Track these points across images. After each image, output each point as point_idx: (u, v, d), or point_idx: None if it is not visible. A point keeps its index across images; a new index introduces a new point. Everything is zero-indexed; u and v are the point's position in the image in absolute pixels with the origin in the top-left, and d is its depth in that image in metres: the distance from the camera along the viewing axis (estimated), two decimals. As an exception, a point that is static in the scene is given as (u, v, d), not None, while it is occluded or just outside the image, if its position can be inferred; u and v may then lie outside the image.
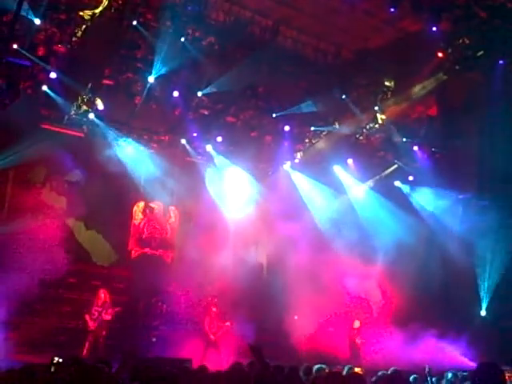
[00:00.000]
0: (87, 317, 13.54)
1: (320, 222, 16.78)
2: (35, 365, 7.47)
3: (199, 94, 14.86)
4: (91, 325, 13.45)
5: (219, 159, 16.42)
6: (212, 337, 14.76)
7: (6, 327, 12.47)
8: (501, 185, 15.36)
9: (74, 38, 13.45)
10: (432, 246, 16.99)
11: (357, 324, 15.61)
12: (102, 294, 13.84)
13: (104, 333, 13.58)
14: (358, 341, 15.35)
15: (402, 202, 17.20)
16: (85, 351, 13.02)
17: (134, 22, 13.48)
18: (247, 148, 16.18)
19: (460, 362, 14.55)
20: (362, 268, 16.43)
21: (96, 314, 13.60)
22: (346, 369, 9.31)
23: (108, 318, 13.68)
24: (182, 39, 13.93)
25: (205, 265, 15.10)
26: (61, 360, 7.49)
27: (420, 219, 17.10)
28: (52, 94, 13.74)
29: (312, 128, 16.62)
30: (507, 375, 12.68)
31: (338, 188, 17.41)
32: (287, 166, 17.30)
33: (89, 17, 13.29)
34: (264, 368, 6.31)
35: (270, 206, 16.38)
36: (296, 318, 15.99)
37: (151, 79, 14.06)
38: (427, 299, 16.07)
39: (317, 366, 8.28)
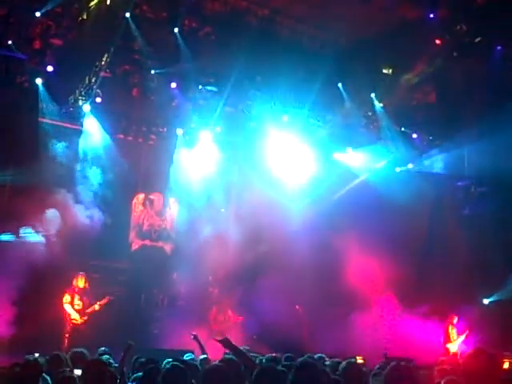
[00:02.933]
0: (70, 307, 13.42)
1: (323, 209, 16.76)
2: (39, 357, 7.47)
3: (200, 87, 14.85)
4: (79, 317, 13.40)
5: (218, 150, 16.35)
6: (214, 327, 14.83)
7: (8, 323, 12.55)
8: (500, 171, 15.34)
9: (70, 31, 13.41)
10: (433, 229, 17.03)
11: (455, 320, 15.47)
12: (81, 281, 13.76)
13: (90, 324, 13.45)
14: (455, 337, 15.22)
15: (401, 190, 17.19)
16: (67, 345, 12.74)
17: (127, 14, 13.40)
18: (247, 138, 16.21)
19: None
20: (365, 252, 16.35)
21: (81, 304, 13.54)
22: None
23: (96, 308, 13.64)
24: (176, 30, 13.88)
25: (206, 255, 15.11)
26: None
27: (421, 205, 17.09)
28: (49, 87, 13.69)
29: (311, 120, 16.57)
30: (508, 361, 12.81)
31: (338, 176, 17.38)
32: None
33: (85, 9, 13.25)
34: (241, 359, 6.20)
35: (270, 198, 16.32)
36: (297, 307, 16.08)
37: (153, 72, 14.05)
38: (426, 284, 16.14)
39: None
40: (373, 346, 14.80)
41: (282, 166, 16.72)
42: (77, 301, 13.51)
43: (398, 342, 15.36)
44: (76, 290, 13.60)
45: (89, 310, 13.52)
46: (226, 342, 6.26)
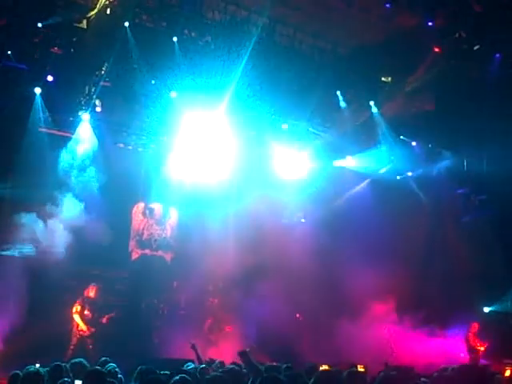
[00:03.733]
0: (78, 318, 13.43)
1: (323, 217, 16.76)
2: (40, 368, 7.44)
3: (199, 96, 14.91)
4: (86, 328, 13.38)
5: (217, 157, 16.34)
6: (212, 337, 14.81)
7: (8, 333, 12.51)
8: (498, 179, 15.37)
9: (69, 41, 13.46)
10: (433, 237, 17.02)
11: (475, 328, 15.41)
12: (92, 291, 13.72)
13: (98, 336, 13.50)
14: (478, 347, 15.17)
15: (401, 197, 17.22)
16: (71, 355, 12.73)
17: (127, 24, 13.43)
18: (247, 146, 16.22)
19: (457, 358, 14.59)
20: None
21: (90, 315, 13.51)
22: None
23: (104, 320, 13.63)
24: (175, 39, 13.91)
25: (206, 265, 15.08)
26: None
27: (421, 212, 17.08)
28: (49, 96, 13.72)
29: (310, 128, 16.62)
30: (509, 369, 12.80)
31: (338, 183, 17.40)
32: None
33: (85, 19, 13.29)
34: (254, 371, 6.28)
35: (272, 207, 16.28)
36: (298, 316, 16.04)
37: (153, 82, 14.08)
38: (426, 292, 16.11)
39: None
40: (372, 353, 14.76)
41: (282, 172, 16.75)
42: (86, 311, 13.52)
43: (398, 349, 15.33)
44: (86, 300, 13.62)
45: (99, 321, 13.57)
46: (244, 356, 6.33)
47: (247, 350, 6.75)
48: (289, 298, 15.25)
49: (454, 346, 15.29)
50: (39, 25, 12.66)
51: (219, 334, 15.35)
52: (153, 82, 14.28)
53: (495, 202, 15.98)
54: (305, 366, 8.19)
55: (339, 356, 13.42)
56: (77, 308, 13.48)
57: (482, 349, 14.98)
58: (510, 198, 15.26)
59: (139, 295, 15.62)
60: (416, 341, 15.51)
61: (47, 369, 6.98)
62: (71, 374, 6.90)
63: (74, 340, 13.39)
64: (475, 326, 15.23)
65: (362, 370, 11.21)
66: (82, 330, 13.39)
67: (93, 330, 13.51)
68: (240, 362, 7.95)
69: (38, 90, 13.48)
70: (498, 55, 14.81)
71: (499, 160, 14.81)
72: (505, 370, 12.99)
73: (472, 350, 15.03)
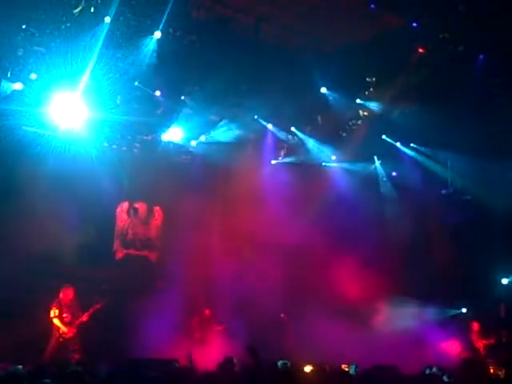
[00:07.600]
0: (58, 321, 13.34)
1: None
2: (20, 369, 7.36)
3: (182, 97, 14.85)
4: (67, 330, 13.30)
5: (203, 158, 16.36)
6: (197, 336, 14.76)
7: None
8: (482, 180, 15.48)
9: (53, 39, 13.34)
10: (416, 238, 17.11)
11: (476, 327, 15.44)
12: (68, 293, 13.62)
13: (81, 337, 13.41)
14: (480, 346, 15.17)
15: (385, 198, 17.31)
16: (49, 357, 12.82)
17: (108, 19, 13.30)
18: (231, 146, 16.20)
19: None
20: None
21: (70, 317, 13.40)
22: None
23: (85, 319, 13.54)
24: (159, 35, 13.81)
25: (192, 264, 15.04)
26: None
27: (404, 213, 17.17)
28: (33, 94, 13.58)
29: (292, 128, 16.61)
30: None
31: (323, 184, 17.44)
32: (273, 163, 17.31)
33: (68, 16, 13.19)
34: (258, 369, 6.33)
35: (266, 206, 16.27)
36: (282, 316, 16.06)
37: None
38: (410, 291, 16.20)
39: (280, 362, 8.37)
40: (357, 353, 14.77)
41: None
42: (65, 313, 13.40)
43: (381, 349, 15.34)
44: (63, 302, 13.49)
45: (78, 322, 13.44)
46: (252, 352, 6.38)
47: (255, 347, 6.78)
48: (277, 297, 15.27)
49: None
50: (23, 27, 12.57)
51: (205, 333, 15.31)
52: (136, 83, 14.19)
53: (479, 202, 16.09)
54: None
55: (325, 355, 13.44)
56: (55, 312, 13.34)
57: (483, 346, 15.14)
58: (494, 198, 15.39)
59: (124, 295, 15.53)
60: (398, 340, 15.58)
61: (27, 370, 6.93)
62: (51, 376, 6.84)
63: (56, 342, 13.27)
64: (475, 325, 15.31)
65: (347, 369, 11.27)
66: (64, 333, 13.28)
67: (75, 331, 13.39)
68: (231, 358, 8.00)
69: (18, 86, 13.35)
70: (482, 56, 14.90)
71: (484, 161, 14.91)
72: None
73: (474, 349, 15.08)
